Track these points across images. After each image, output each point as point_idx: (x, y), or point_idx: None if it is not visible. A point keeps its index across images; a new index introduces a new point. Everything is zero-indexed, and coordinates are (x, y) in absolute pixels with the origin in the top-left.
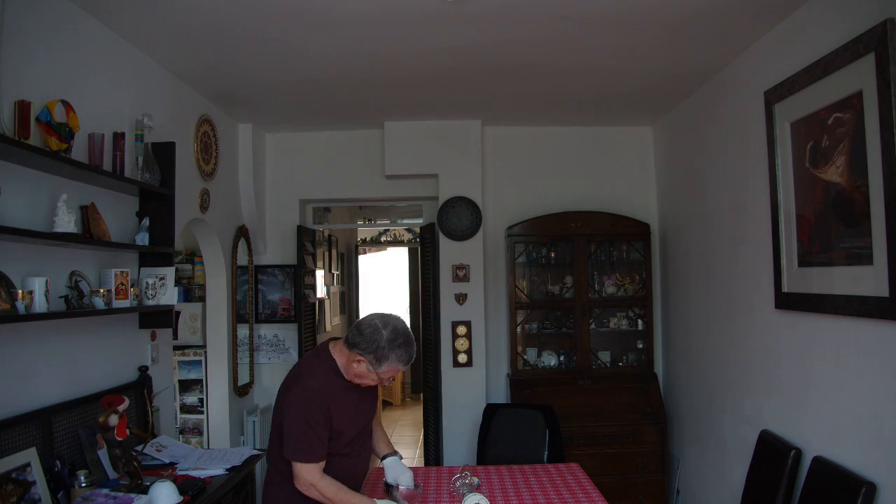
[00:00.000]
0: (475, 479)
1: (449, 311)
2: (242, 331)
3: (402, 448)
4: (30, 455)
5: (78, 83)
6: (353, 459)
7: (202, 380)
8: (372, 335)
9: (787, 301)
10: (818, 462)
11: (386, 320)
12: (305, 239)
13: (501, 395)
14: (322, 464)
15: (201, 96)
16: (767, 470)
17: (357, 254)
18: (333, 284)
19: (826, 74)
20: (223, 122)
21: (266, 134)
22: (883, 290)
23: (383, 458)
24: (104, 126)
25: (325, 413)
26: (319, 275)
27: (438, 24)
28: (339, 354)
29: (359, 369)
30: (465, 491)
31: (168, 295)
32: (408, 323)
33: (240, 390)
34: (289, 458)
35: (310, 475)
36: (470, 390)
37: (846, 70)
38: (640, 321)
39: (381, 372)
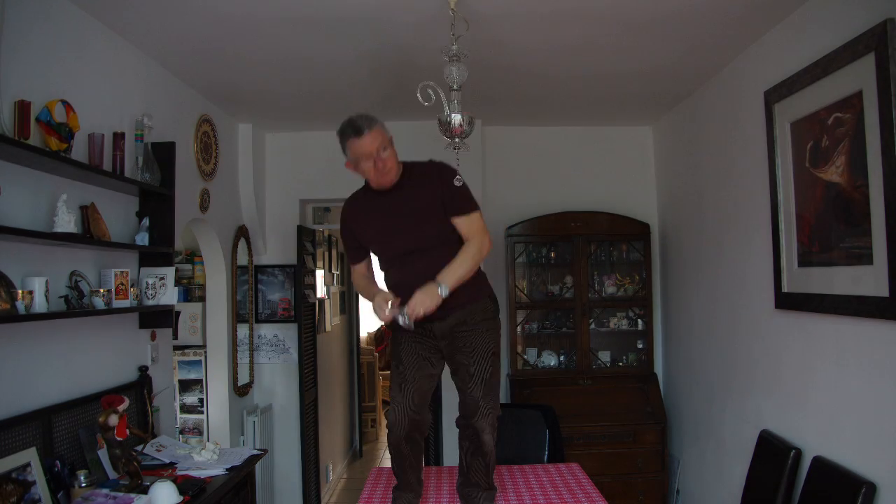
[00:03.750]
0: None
1: None
2: (242, 331)
3: None
4: (30, 455)
5: (78, 83)
6: (399, 272)
7: (202, 380)
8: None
9: (788, 301)
10: (818, 462)
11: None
12: (305, 239)
13: (501, 395)
14: (360, 265)
15: (201, 96)
16: (767, 470)
17: None
18: (333, 284)
19: (826, 74)
20: (223, 122)
21: (266, 134)
22: (883, 290)
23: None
24: (104, 126)
25: (347, 226)
26: (319, 275)
27: (438, 25)
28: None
29: (354, 170)
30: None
31: (168, 295)
32: None
33: (240, 390)
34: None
35: (354, 271)
36: None
37: (846, 70)
38: (640, 321)
39: (350, 155)
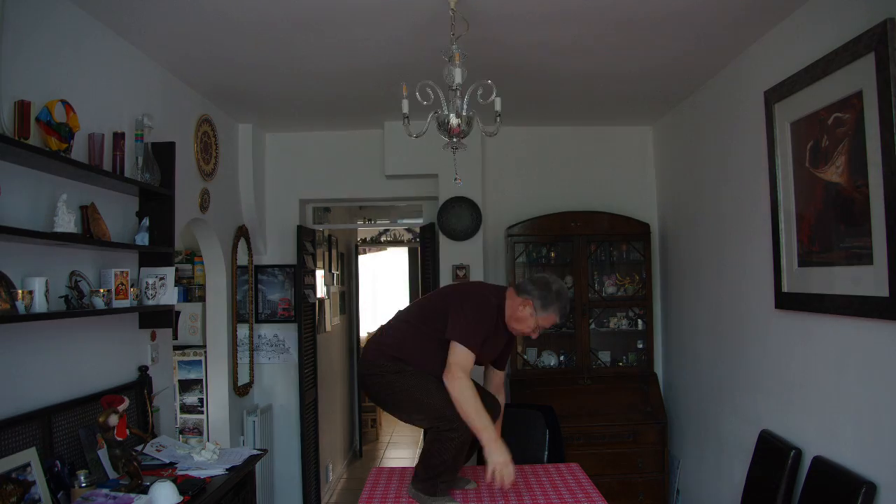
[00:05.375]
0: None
1: None
2: (242, 331)
3: (401, 448)
4: (30, 455)
5: (78, 83)
6: None
7: (202, 380)
8: (544, 285)
9: (788, 301)
10: (818, 462)
11: (555, 279)
12: (305, 239)
13: None
14: (474, 358)
15: (201, 96)
16: (767, 470)
17: (357, 254)
18: (333, 284)
19: (826, 74)
20: (223, 122)
21: (266, 134)
22: (883, 290)
23: None
24: (104, 126)
25: (491, 328)
26: (319, 275)
27: (438, 25)
28: (509, 296)
29: (523, 312)
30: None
31: (168, 295)
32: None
33: (240, 390)
34: (451, 337)
35: (465, 360)
36: None
37: (846, 70)
38: (640, 321)
39: (540, 317)
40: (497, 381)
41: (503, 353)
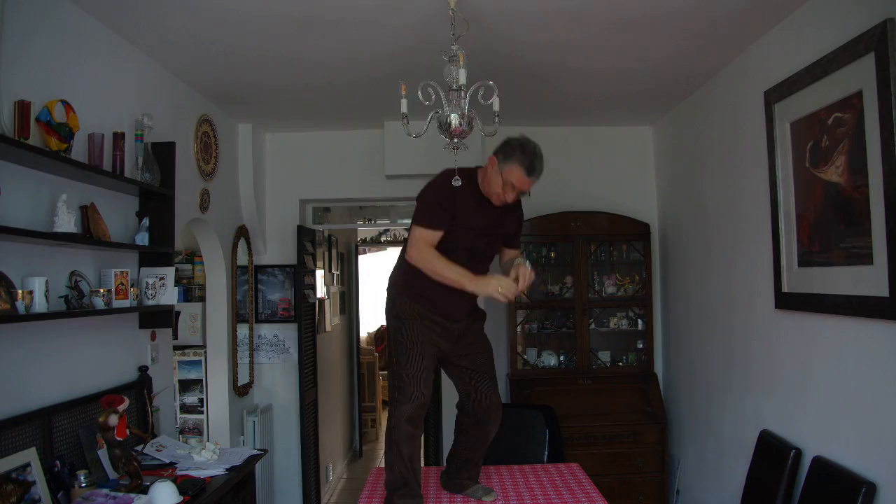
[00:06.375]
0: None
1: None
2: (242, 331)
3: None
4: (30, 455)
5: (78, 83)
6: (458, 263)
7: (202, 380)
8: (510, 139)
9: (787, 301)
10: (818, 462)
11: (524, 137)
12: (305, 239)
13: (501, 395)
14: (438, 233)
15: (201, 96)
16: (767, 470)
17: (357, 254)
18: (333, 284)
19: (826, 74)
20: (223, 122)
21: (266, 134)
22: (883, 290)
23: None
24: (104, 126)
25: (453, 197)
26: (319, 275)
27: (438, 25)
28: (483, 168)
29: (490, 172)
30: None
31: (168, 295)
32: None
33: (240, 390)
34: (413, 226)
35: (422, 236)
36: None
37: (846, 70)
38: (640, 321)
39: (505, 172)
40: (510, 254)
41: (509, 235)
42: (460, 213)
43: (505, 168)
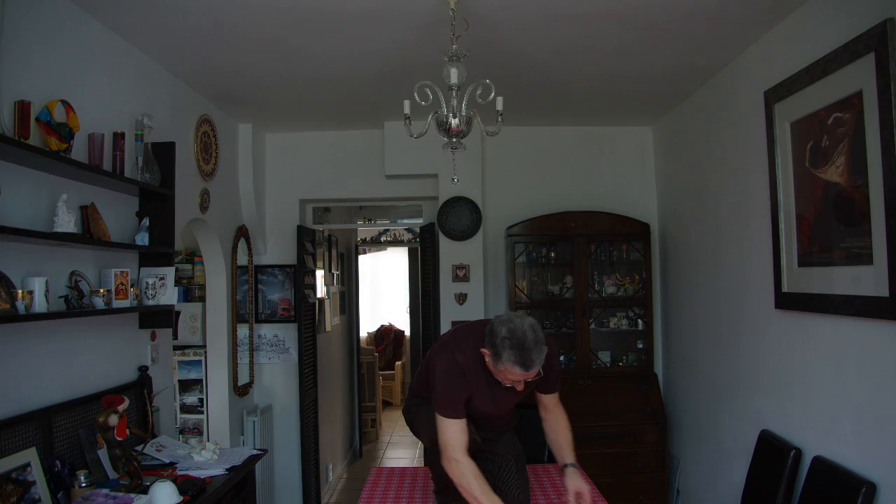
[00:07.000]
0: None
1: (449, 310)
2: (242, 331)
3: (402, 448)
4: (30, 455)
5: (78, 83)
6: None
7: (202, 380)
8: (491, 331)
9: (787, 301)
10: (818, 462)
11: (511, 318)
12: (305, 239)
13: None
14: (464, 422)
15: (201, 96)
16: (767, 470)
17: (357, 254)
18: (333, 284)
19: (826, 74)
20: (223, 122)
21: (266, 134)
22: (883, 290)
23: (564, 466)
24: (104, 126)
25: (466, 383)
26: (319, 275)
27: (438, 25)
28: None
29: (489, 363)
30: None
31: (168, 295)
32: (407, 323)
33: (240, 390)
34: (435, 410)
35: (452, 435)
36: None
37: (846, 70)
38: (640, 321)
39: (501, 371)
40: (546, 402)
41: (543, 381)
42: (473, 399)
43: (500, 366)
